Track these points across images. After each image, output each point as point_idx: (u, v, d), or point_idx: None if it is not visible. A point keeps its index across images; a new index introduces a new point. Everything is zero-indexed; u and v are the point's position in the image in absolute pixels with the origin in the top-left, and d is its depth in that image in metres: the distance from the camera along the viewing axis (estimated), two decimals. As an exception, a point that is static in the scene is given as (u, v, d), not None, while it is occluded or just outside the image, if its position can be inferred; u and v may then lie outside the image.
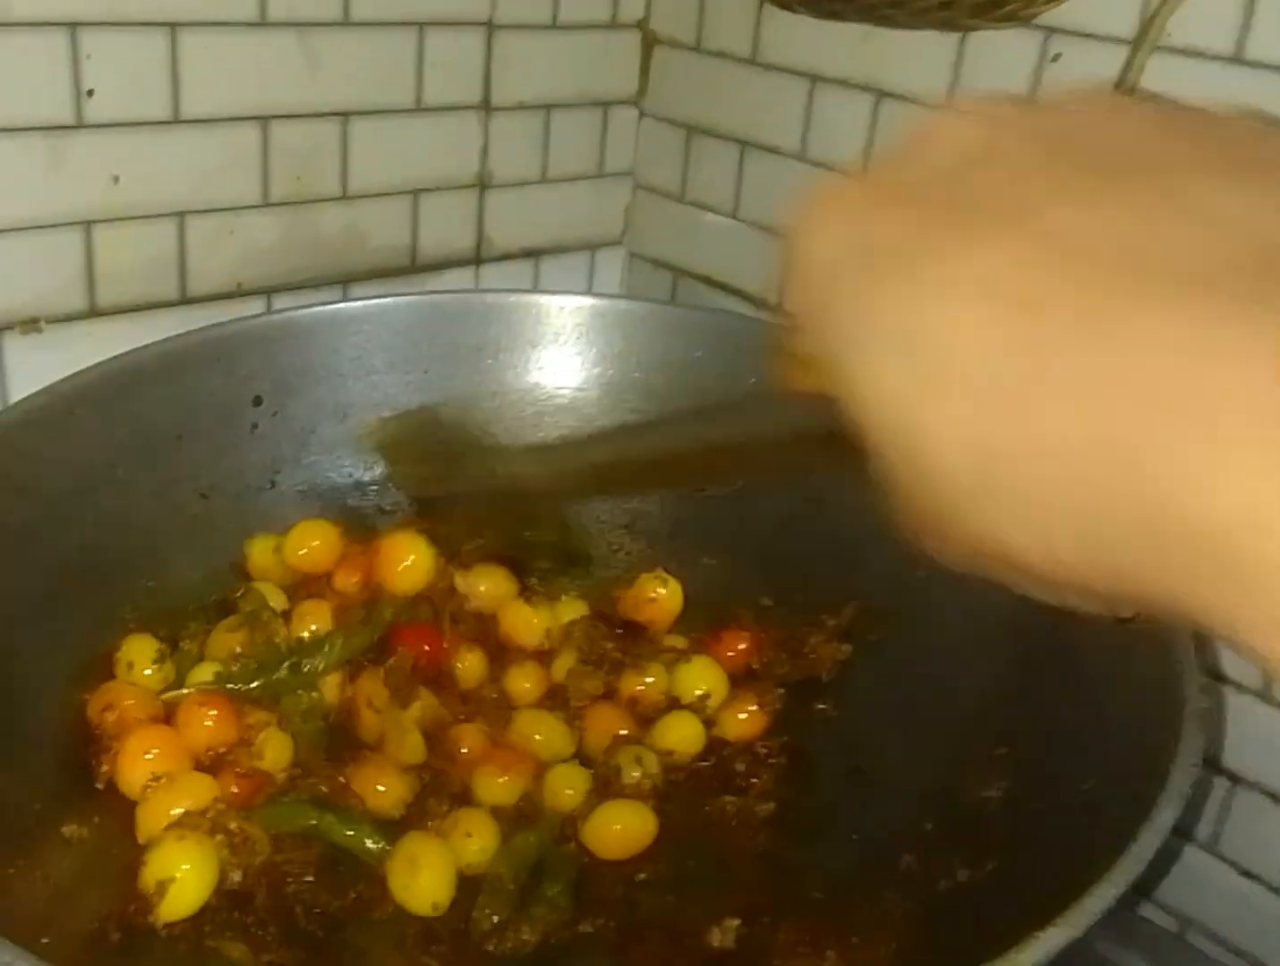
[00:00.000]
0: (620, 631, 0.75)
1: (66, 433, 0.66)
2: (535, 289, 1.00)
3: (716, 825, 0.67)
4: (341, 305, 0.82)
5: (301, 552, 0.74)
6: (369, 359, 0.79)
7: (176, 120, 0.78)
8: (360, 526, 0.79)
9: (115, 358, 0.70)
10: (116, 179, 0.77)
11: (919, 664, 0.71)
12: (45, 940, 0.49)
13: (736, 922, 0.59)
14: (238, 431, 0.75)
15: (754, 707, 0.72)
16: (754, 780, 0.69)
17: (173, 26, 0.76)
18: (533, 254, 1.01)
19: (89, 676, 0.65)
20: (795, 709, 0.73)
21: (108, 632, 0.66)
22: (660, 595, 0.77)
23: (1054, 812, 0.57)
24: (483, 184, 0.95)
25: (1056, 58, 0.76)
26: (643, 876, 0.63)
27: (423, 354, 0.81)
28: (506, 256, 0.99)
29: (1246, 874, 0.75)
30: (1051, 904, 0.44)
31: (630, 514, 0.84)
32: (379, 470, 0.80)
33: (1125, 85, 0.71)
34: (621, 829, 0.64)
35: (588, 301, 0.84)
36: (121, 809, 0.61)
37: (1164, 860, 0.77)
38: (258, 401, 0.76)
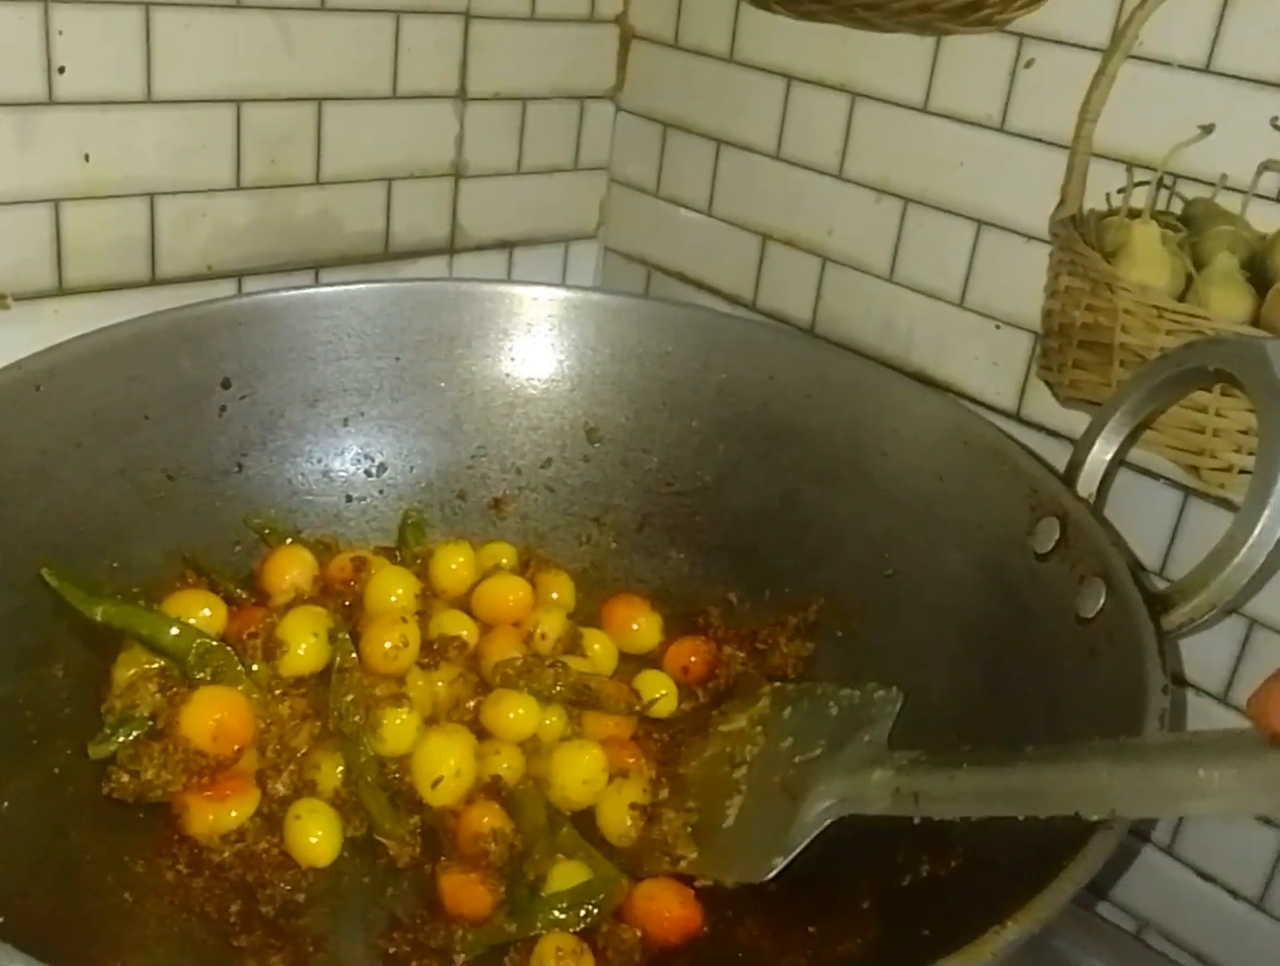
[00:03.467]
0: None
1: (31, 410, 0.65)
2: (509, 279, 1.00)
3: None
4: (313, 289, 0.81)
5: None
6: (340, 344, 0.79)
7: (149, 100, 0.78)
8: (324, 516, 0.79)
9: (83, 336, 0.69)
10: (87, 157, 0.76)
11: (884, 660, 0.71)
12: None
13: None
14: (205, 413, 0.75)
15: None
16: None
17: (147, 5, 0.75)
18: (506, 245, 1.00)
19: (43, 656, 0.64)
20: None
21: (67, 613, 0.65)
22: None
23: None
24: (457, 173, 0.95)
25: (1030, 63, 0.77)
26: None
27: (394, 340, 0.80)
28: (480, 247, 0.98)
29: (1204, 875, 0.75)
30: (1014, 899, 0.44)
31: (599, 507, 0.84)
32: (347, 456, 0.80)
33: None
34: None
35: (561, 293, 0.84)
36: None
37: (1123, 861, 0.78)
38: (226, 384, 0.75)
